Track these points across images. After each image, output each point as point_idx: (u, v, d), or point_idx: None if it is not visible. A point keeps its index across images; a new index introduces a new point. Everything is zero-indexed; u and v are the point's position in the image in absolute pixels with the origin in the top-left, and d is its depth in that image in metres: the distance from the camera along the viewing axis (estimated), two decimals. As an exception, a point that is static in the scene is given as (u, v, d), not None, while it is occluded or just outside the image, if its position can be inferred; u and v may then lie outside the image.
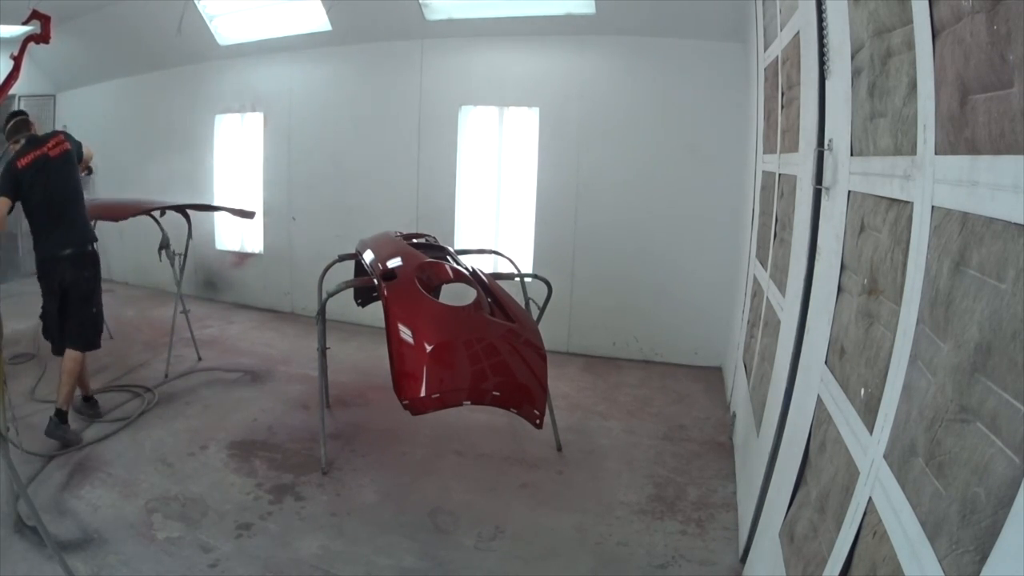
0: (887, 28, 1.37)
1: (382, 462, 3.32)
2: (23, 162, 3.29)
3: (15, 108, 6.64)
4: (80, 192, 3.53)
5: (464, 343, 2.68)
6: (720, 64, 4.56)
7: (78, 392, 3.68)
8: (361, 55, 5.51)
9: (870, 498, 1.19)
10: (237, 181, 6.31)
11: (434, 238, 3.88)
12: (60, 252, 3.36)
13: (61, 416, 3.33)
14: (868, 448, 1.25)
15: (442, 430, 3.60)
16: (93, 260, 3.51)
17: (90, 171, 3.98)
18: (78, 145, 3.56)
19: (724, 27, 4.42)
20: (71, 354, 3.43)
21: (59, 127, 6.92)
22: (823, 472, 1.56)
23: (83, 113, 6.91)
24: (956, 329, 0.96)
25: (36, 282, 3.45)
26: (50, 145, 3.39)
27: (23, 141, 3.40)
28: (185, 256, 4.46)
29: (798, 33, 2.40)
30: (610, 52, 4.85)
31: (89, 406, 3.67)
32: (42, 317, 3.50)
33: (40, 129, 3.57)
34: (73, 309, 3.44)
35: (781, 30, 2.83)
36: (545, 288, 3.56)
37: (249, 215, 5.09)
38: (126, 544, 2.54)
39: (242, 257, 6.39)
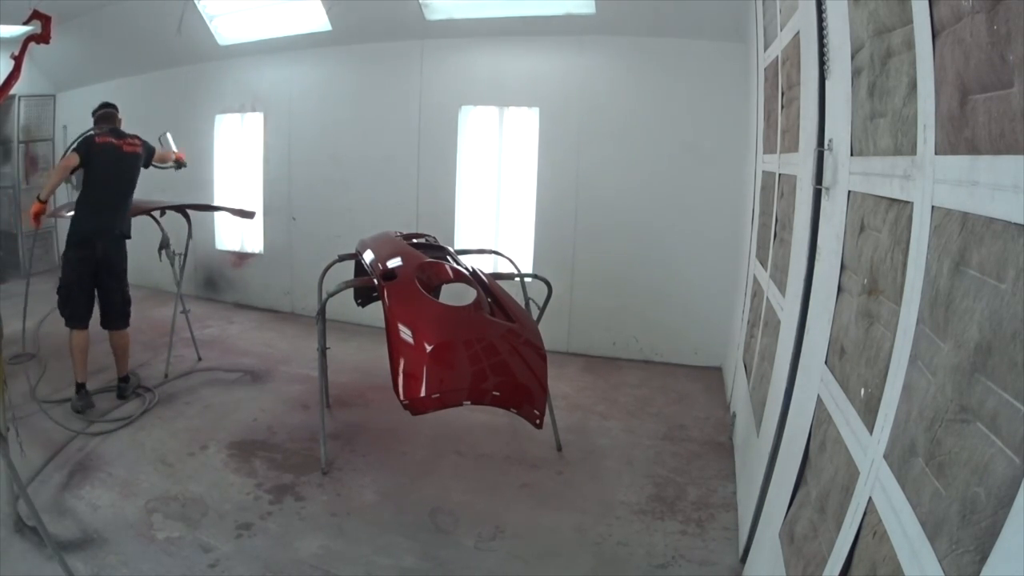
0: (887, 28, 1.37)
1: (382, 462, 3.32)
2: (100, 139, 3.71)
3: (18, 109, 6.71)
4: (132, 192, 3.89)
5: (464, 343, 2.68)
6: (720, 64, 4.55)
7: (75, 395, 3.71)
8: (361, 55, 5.50)
9: (870, 498, 1.19)
10: (237, 181, 6.31)
11: (434, 238, 3.87)
12: (104, 228, 3.70)
13: (127, 380, 3.93)
14: (868, 448, 1.25)
15: (442, 430, 3.60)
16: (124, 245, 3.87)
17: (179, 165, 4.37)
18: (151, 151, 4.03)
19: (724, 27, 4.42)
20: (120, 334, 3.87)
21: (59, 127, 6.96)
22: (823, 472, 1.56)
23: (83, 113, 6.80)
24: (956, 329, 0.96)
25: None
26: (127, 142, 3.83)
27: (108, 128, 3.82)
28: (185, 256, 4.46)
29: (798, 33, 2.40)
30: (610, 52, 4.84)
31: (82, 398, 3.67)
32: (59, 291, 3.71)
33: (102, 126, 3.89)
34: (114, 287, 3.79)
35: (781, 30, 2.83)
36: (545, 288, 3.56)
37: (249, 215, 5.10)
38: (126, 544, 2.54)
39: (242, 257, 6.39)
